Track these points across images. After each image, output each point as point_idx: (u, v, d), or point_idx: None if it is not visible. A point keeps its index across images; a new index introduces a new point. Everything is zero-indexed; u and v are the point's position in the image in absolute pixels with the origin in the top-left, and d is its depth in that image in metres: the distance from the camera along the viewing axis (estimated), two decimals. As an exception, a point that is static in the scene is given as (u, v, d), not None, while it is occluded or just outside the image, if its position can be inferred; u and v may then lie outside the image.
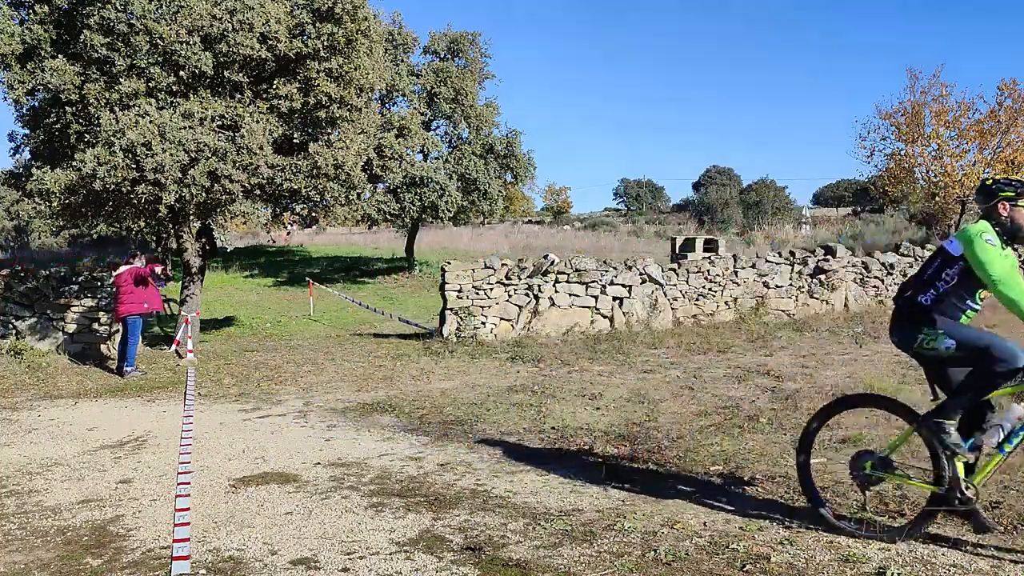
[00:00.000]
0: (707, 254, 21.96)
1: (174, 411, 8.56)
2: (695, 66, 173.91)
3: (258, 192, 12.02)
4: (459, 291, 12.54)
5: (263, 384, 10.03)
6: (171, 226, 13.34)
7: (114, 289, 11.37)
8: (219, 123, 11.08)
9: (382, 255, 33.89)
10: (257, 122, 11.09)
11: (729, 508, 5.04)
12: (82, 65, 10.96)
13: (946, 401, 4.29)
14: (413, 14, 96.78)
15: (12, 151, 12.40)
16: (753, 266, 14.13)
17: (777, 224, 45.83)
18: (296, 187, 11.65)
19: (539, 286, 12.82)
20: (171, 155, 10.28)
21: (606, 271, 13.19)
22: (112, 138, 10.29)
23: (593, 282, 13.03)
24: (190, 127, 10.54)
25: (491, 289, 12.67)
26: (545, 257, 13.26)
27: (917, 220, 35.14)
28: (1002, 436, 4.16)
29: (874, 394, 5.71)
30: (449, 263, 12.91)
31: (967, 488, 4.18)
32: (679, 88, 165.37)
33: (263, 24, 10.92)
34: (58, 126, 11.32)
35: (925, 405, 4.49)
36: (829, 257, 14.61)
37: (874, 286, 14.71)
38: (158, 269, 11.27)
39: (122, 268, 11.13)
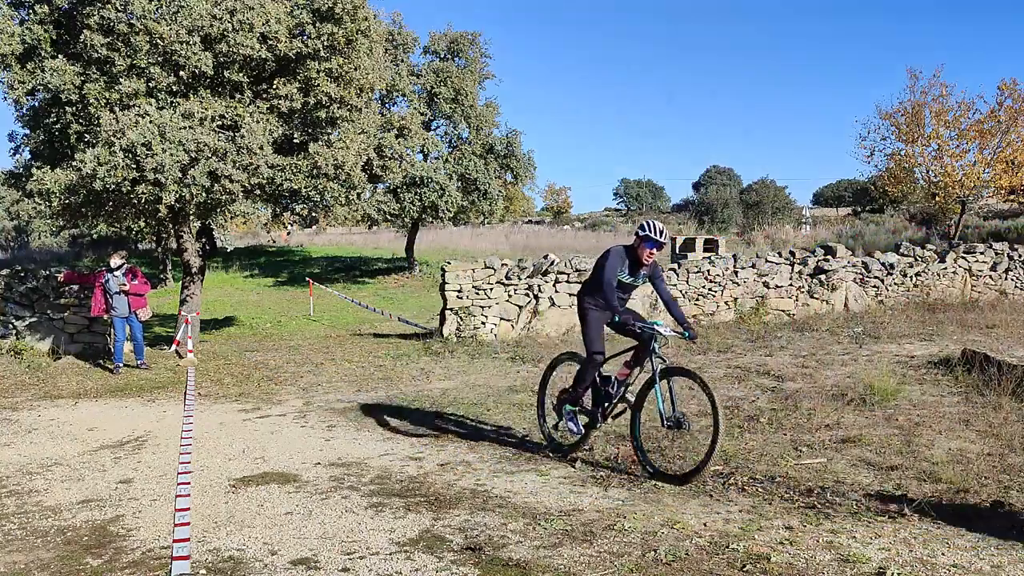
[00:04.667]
0: (707, 254, 21.99)
1: (174, 411, 8.56)
2: (696, 66, 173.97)
3: (258, 192, 12.02)
4: (459, 291, 12.54)
5: (263, 384, 10.04)
6: (171, 226, 13.33)
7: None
8: (219, 123, 11.07)
9: (382, 255, 33.90)
10: (257, 122, 11.09)
11: (729, 508, 5.04)
12: (82, 65, 10.96)
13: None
14: (413, 14, 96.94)
15: (12, 151, 12.39)
16: (753, 266, 14.13)
17: (777, 224, 45.81)
18: (296, 187, 11.65)
19: (539, 286, 12.82)
20: (171, 155, 10.28)
21: (606, 271, 13.17)
22: (112, 138, 10.29)
23: (593, 282, 13.01)
24: (190, 127, 10.54)
25: (491, 289, 12.67)
26: (545, 257, 13.26)
27: (917, 220, 35.19)
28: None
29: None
30: (449, 263, 12.90)
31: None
32: (680, 88, 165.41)
33: (263, 24, 10.92)
34: (58, 126, 11.32)
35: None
36: (829, 257, 14.61)
37: (874, 286, 14.70)
38: (142, 313, 11.44)
39: (109, 274, 11.23)
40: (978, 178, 24.94)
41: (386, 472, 6.01)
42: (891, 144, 26.69)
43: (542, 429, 6.65)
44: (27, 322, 11.97)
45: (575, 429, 6.22)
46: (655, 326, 5.80)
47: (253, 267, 32.71)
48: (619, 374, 6.14)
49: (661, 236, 5.96)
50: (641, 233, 5.99)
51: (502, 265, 12.85)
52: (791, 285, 14.20)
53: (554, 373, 6.73)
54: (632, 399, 6.00)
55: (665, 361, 5.80)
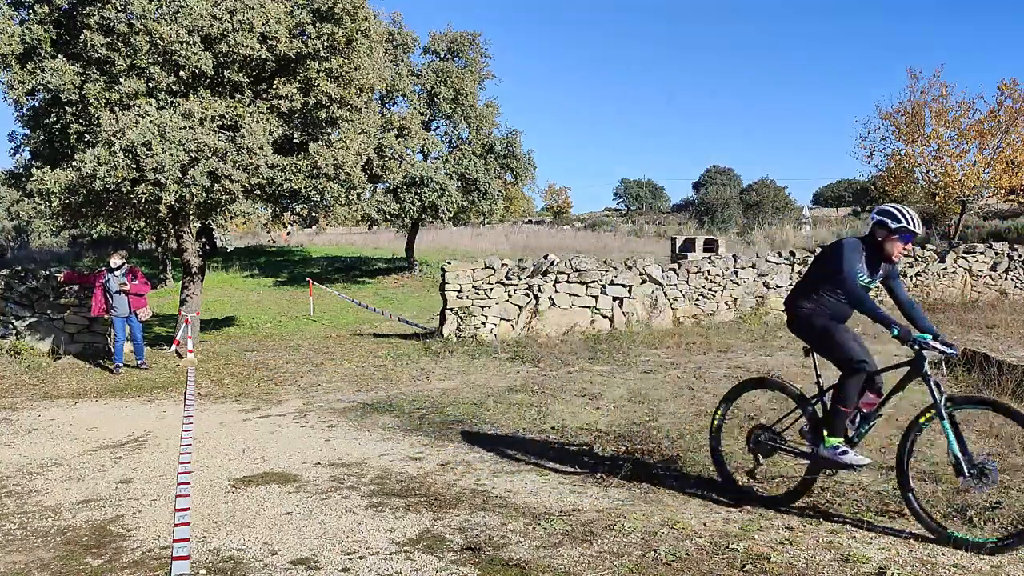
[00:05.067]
0: (707, 254, 21.97)
1: (174, 411, 8.56)
2: (696, 66, 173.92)
3: (258, 192, 12.02)
4: (459, 291, 12.54)
5: (263, 384, 10.03)
6: (171, 226, 13.34)
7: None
8: (219, 123, 11.08)
9: (382, 255, 33.90)
10: (257, 122, 11.09)
11: (729, 508, 5.04)
12: (82, 65, 10.97)
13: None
14: (413, 14, 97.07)
15: (12, 151, 12.40)
16: (753, 266, 14.13)
17: (777, 224, 45.77)
18: (296, 187, 11.65)
19: (539, 286, 12.82)
20: (171, 155, 10.28)
21: (606, 271, 13.19)
22: (112, 138, 10.29)
23: (593, 282, 13.03)
24: (190, 127, 10.54)
25: (491, 289, 12.67)
26: (545, 257, 13.26)
27: (917, 220, 35.01)
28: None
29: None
30: (449, 263, 12.91)
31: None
32: (680, 88, 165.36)
33: (263, 24, 10.93)
34: (58, 126, 11.33)
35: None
36: (829, 257, 14.59)
37: (874, 286, 14.70)
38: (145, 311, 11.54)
39: (110, 274, 11.24)
40: (978, 178, 24.91)
41: (386, 472, 6.01)
42: (891, 144, 26.68)
43: (722, 474, 5.34)
44: (27, 322, 11.97)
45: (859, 462, 4.69)
46: (925, 340, 4.44)
47: (253, 267, 32.71)
48: (864, 404, 4.79)
49: (917, 227, 4.56)
50: (895, 224, 4.56)
51: (502, 265, 12.84)
52: (791, 285, 14.20)
53: (735, 403, 5.48)
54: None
55: (940, 388, 4.47)
